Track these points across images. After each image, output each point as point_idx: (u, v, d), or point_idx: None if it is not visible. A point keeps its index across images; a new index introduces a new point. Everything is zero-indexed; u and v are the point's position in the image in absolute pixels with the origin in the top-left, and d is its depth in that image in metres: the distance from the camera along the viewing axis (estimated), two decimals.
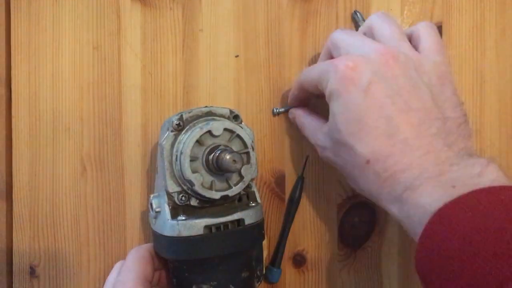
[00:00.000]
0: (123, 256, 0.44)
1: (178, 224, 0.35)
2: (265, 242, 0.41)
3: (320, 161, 0.46)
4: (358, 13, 0.45)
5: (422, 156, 0.32)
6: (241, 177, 0.37)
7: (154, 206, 0.37)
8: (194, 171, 0.35)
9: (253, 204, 0.38)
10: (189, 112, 0.37)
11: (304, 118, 0.42)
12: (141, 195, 0.45)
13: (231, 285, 0.36)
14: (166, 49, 0.45)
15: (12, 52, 0.44)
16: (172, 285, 0.38)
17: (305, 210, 0.46)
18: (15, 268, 0.44)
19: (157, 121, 0.45)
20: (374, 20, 0.38)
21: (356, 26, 0.45)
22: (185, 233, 0.35)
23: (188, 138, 0.35)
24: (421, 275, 0.30)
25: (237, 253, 0.36)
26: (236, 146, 0.37)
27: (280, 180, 0.46)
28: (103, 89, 0.44)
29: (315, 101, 0.43)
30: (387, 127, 0.32)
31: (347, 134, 0.34)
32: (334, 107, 0.35)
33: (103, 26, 0.44)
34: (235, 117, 0.39)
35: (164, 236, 0.36)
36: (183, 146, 0.35)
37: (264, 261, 0.41)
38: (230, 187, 0.37)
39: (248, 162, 0.37)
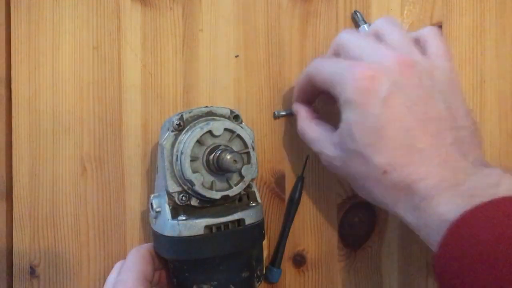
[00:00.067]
0: (123, 256, 0.44)
1: (178, 224, 0.35)
2: (265, 242, 0.41)
3: (320, 161, 0.46)
4: (358, 13, 0.45)
5: (439, 166, 0.32)
6: (242, 177, 0.37)
7: (154, 206, 0.37)
8: (194, 171, 0.35)
9: (253, 204, 0.38)
10: (190, 112, 0.37)
11: (307, 124, 0.41)
12: (141, 195, 0.45)
13: (231, 285, 0.36)
14: (166, 49, 0.45)
15: (12, 52, 0.44)
16: (172, 285, 0.38)
17: (305, 210, 0.46)
18: (15, 268, 0.44)
19: (157, 121, 0.45)
20: (381, 25, 0.38)
21: (356, 26, 0.45)
22: (185, 233, 0.35)
23: (189, 138, 0.35)
24: (441, 283, 0.29)
25: (237, 253, 0.36)
26: (236, 146, 0.37)
27: (280, 180, 0.46)
28: (103, 89, 0.44)
29: (318, 104, 0.43)
30: (405, 137, 0.32)
31: (363, 145, 0.33)
32: (349, 117, 0.34)
33: (103, 26, 0.44)
34: (236, 117, 0.39)
35: (165, 236, 0.36)
36: (183, 146, 0.35)
37: (264, 261, 0.41)
38: (230, 187, 0.37)
39: (249, 162, 0.37)
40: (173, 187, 0.36)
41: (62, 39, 0.44)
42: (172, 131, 0.36)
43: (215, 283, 0.36)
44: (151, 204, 0.37)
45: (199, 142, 0.35)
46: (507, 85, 0.47)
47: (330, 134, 0.38)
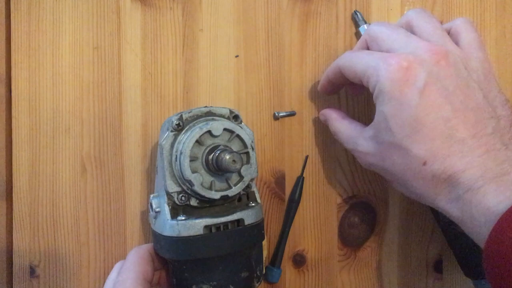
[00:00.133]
0: (123, 256, 0.44)
1: (178, 224, 0.35)
2: (265, 242, 0.41)
3: (320, 161, 0.46)
4: (358, 13, 0.45)
5: (482, 156, 0.31)
6: (241, 177, 0.37)
7: (154, 206, 0.37)
8: (193, 171, 0.35)
9: (253, 204, 0.38)
10: (189, 112, 0.37)
11: (339, 122, 0.41)
12: (141, 195, 0.45)
13: (231, 285, 0.36)
14: (166, 49, 0.45)
15: (12, 52, 0.44)
16: (172, 285, 0.38)
17: (305, 210, 0.46)
18: (15, 268, 0.44)
19: (157, 121, 0.45)
20: (413, 16, 0.38)
21: (356, 26, 0.45)
22: (185, 233, 0.35)
23: (188, 138, 0.35)
24: (491, 276, 0.29)
25: (237, 253, 0.36)
26: (235, 146, 0.37)
27: (280, 180, 0.46)
28: (103, 89, 0.44)
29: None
30: (444, 127, 0.32)
31: (401, 136, 0.33)
32: (385, 109, 0.34)
33: (103, 26, 0.44)
34: (235, 117, 0.39)
35: (164, 236, 0.36)
36: (183, 146, 0.35)
37: (264, 261, 0.41)
38: (229, 187, 0.37)
39: (248, 162, 0.37)
40: (173, 187, 0.36)
41: (62, 39, 0.44)
42: (172, 131, 0.36)
43: (215, 283, 0.36)
44: (151, 204, 0.37)
45: (199, 142, 0.35)
46: (507, 85, 0.47)
47: (363, 129, 0.37)
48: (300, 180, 0.45)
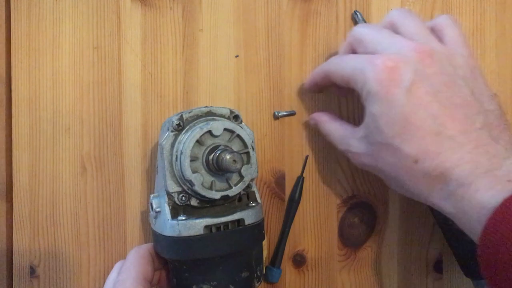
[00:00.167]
0: (123, 256, 0.44)
1: (178, 224, 0.35)
2: (265, 242, 0.41)
3: (320, 161, 0.46)
4: (358, 13, 0.45)
5: (472, 151, 0.32)
6: (241, 177, 0.37)
7: (154, 206, 0.37)
8: (194, 171, 0.35)
9: (253, 204, 0.38)
10: (189, 112, 0.37)
11: (330, 125, 0.41)
12: (141, 195, 0.45)
13: (231, 285, 0.36)
14: (166, 49, 0.45)
15: (12, 52, 0.44)
16: (172, 285, 0.38)
17: (305, 210, 0.46)
18: (15, 268, 0.44)
19: (157, 121, 0.45)
20: (396, 16, 0.38)
21: None
22: (185, 233, 0.35)
23: (188, 138, 0.35)
24: (486, 268, 0.29)
25: (237, 253, 0.36)
26: (236, 146, 0.37)
27: (280, 180, 0.46)
28: (103, 89, 0.44)
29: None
30: (433, 125, 0.32)
31: (391, 136, 0.33)
32: (374, 109, 0.34)
33: (103, 26, 0.44)
34: (235, 117, 0.39)
35: (164, 236, 0.36)
36: (183, 146, 0.35)
37: (264, 261, 0.41)
38: (230, 187, 0.37)
39: (248, 162, 0.37)
40: (173, 187, 0.36)
41: (62, 39, 0.44)
42: (172, 131, 0.36)
43: (215, 283, 0.36)
44: (151, 204, 0.37)
45: (199, 142, 0.35)
46: (507, 85, 0.47)
47: (354, 130, 0.38)
48: (300, 180, 0.45)
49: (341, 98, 0.46)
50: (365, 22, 0.45)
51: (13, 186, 0.44)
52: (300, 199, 0.45)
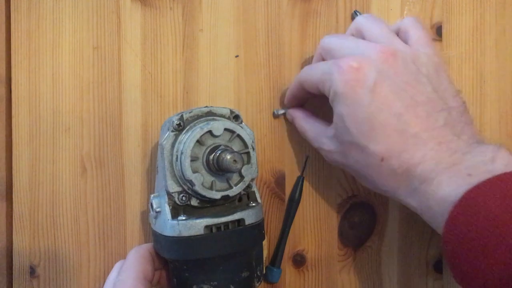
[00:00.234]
0: (123, 256, 0.44)
1: (178, 224, 0.35)
2: (265, 242, 0.41)
3: (320, 161, 0.46)
4: (358, 13, 0.45)
5: (434, 148, 0.33)
6: (242, 177, 0.37)
7: (154, 206, 0.37)
8: (194, 171, 0.35)
9: (253, 204, 0.38)
10: (190, 112, 0.37)
11: (304, 122, 0.42)
12: (141, 195, 0.45)
13: (231, 285, 0.36)
14: (166, 49, 0.45)
15: (12, 52, 0.44)
16: (172, 285, 0.38)
17: (305, 210, 0.46)
18: (15, 268, 0.44)
19: (157, 121, 0.45)
20: (361, 22, 0.39)
21: None
22: (185, 233, 0.35)
23: (189, 138, 0.35)
24: (451, 259, 0.30)
25: (237, 253, 0.36)
26: (236, 146, 0.37)
27: (280, 180, 0.46)
28: (103, 89, 0.44)
29: (311, 100, 0.43)
30: (397, 123, 0.33)
31: (358, 135, 0.34)
32: (341, 109, 0.35)
33: (103, 26, 0.44)
34: (236, 117, 0.39)
35: (165, 236, 0.36)
36: (183, 146, 0.35)
37: (264, 261, 0.41)
38: (230, 187, 0.37)
39: (249, 162, 0.37)
40: (173, 187, 0.36)
41: (62, 39, 0.44)
42: (172, 131, 0.36)
43: (215, 283, 0.36)
44: (151, 204, 0.37)
45: (199, 142, 0.35)
46: (507, 85, 0.47)
47: (326, 129, 0.39)
48: (300, 180, 0.45)
49: None
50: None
51: (13, 186, 0.44)
52: (300, 199, 0.45)
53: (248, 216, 0.37)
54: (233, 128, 0.36)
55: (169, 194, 0.36)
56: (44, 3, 0.44)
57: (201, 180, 0.35)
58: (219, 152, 0.35)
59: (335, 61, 0.35)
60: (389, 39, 0.37)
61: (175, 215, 0.36)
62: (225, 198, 0.36)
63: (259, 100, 0.45)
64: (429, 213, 0.33)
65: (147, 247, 0.39)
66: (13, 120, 0.44)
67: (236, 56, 0.45)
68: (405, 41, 0.38)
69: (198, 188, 0.35)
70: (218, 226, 0.36)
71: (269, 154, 0.46)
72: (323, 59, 0.40)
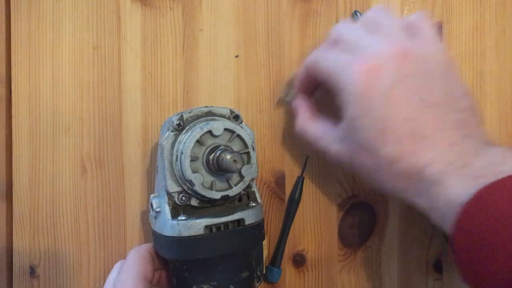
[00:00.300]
0: (123, 256, 0.44)
1: (178, 224, 0.35)
2: (265, 242, 0.41)
3: (320, 161, 0.46)
4: (358, 13, 0.45)
5: (445, 150, 0.33)
6: (242, 177, 0.37)
7: (154, 206, 0.37)
8: (194, 171, 0.35)
9: (253, 204, 0.38)
10: (190, 112, 0.37)
11: (308, 123, 0.41)
12: (141, 195, 0.45)
13: (231, 285, 0.36)
14: (166, 49, 0.45)
15: (12, 52, 0.44)
16: (172, 285, 0.38)
17: (305, 210, 0.46)
18: (15, 268, 0.44)
19: (157, 121, 0.45)
20: (373, 14, 0.38)
21: None
22: (185, 233, 0.35)
23: (189, 138, 0.35)
24: (458, 261, 0.31)
25: (237, 253, 0.36)
26: (236, 146, 0.37)
27: (280, 180, 0.46)
28: (103, 89, 0.44)
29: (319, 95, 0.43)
30: (409, 126, 0.33)
31: (369, 138, 0.34)
32: (353, 111, 0.34)
33: (103, 26, 0.44)
34: (236, 117, 0.39)
35: (164, 236, 0.36)
36: (183, 146, 0.35)
37: (264, 261, 0.41)
38: (230, 187, 0.37)
39: (249, 162, 0.37)
40: (173, 187, 0.36)
41: (62, 39, 0.44)
42: (172, 131, 0.36)
43: (215, 283, 0.36)
44: (151, 204, 0.37)
45: (199, 142, 0.35)
46: (507, 85, 0.47)
47: (333, 129, 0.38)
48: (300, 180, 0.45)
49: None
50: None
51: (13, 186, 0.44)
52: (300, 199, 0.45)
53: (248, 216, 0.37)
54: (233, 128, 0.36)
55: (169, 194, 0.36)
56: (44, 3, 0.44)
57: (201, 180, 0.35)
58: (219, 152, 0.35)
59: (349, 60, 0.35)
60: (401, 36, 0.36)
61: (175, 215, 0.36)
62: (225, 198, 0.36)
63: (259, 100, 0.45)
64: (437, 213, 0.33)
65: (147, 247, 0.39)
66: (13, 120, 0.44)
67: (236, 56, 0.45)
68: (415, 37, 0.37)
69: (198, 188, 0.35)
70: (218, 226, 0.35)
71: (269, 154, 0.46)
72: (334, 45, 0.38)
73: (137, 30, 0.45)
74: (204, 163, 0.36)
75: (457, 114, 0.34)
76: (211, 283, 0.36)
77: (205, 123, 0.37)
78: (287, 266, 0.46)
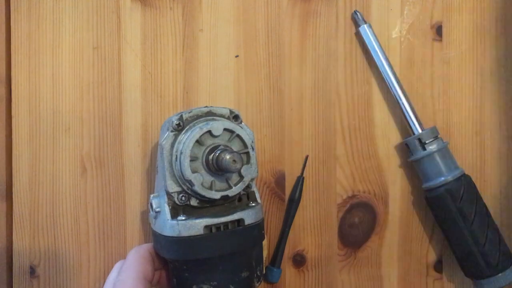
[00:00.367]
0: (123, 256, 0.44)
1: (178, 224, 0.35)
2: (265, 242, 0.41)
3: (320, 161, 0.46)
4: (358, 13, 0.45)
5: None
6: (241, 177, 0.37)
7: (154, 206, 0.37)
8: (194, 171, 0.35)
9: (253, 204, 0.38)
10: (189, 112, 0.37)
11: None
12: (141, 195, 0.45)
13: (231, 285, 0.36)
14: (166, 49, 0.45)
15: (12, 52, 0.44)
16: (172, 285, 0.38)
17: (305, 210, 0.46)
18: (15, 268, 0.44)
19: (157, 121, 0.45)
20: None
21: (356, 26, 0.45)
22: (185, 233, 0.35)
23: (188, 138, 0.35)
24: None
25: (237, 253, 0.36)
26: (236, 146, 0.37)
27: (280, 180, 0.46)
28: (103, 89, 0.44)
29: None
30: None
31: None
32: None
33: (103, 26, 0.44)
34: (235, 117, 0.39)
35: (164, 236, 0.36)
36: (183, 146, 0.35)
37: (264, 261, 0.41)
38: (230, 187, 0.36)
39: (248, 162, 0.37)
40: (173, 187, 0.36)
41: (62, 39, 0.44)
42: (172, 131, 0.36)
43: (215, 283, 0.36)
44: (151, 204, 0.37)
45: (199, 142, 0.35)
46: (507, 85, 0.47)
47: None
48: (300, 180, 0.45)
49: (340, 100, 0.46)
50: (365, 22, 0.45)
51: (13, 186, 0.44)
52: (300, 199, 0.45)
53: (248, 216, 0.37)
54: (233, 128, 0.36)
55: (168, 194, 0.36)
56: (44, 3, 0.44)
57: (201, 180, 0.35)
58: (219, 152, 0.35)
59: None
60: None
61: (174, 215, 0.36)
62: (225, 198, 0.36)
63: (259, 100, 0.45)
64: None
65: (147, 247, 0.39)
66: (13, 120, 0.44)
67: (236, 56, 0.45)
68: None
69: (197, 188, 0.35)
70: (217, 226, 0.35)
71: (269, 154, 0.46)
72: None
73: (137, 30, 0.45)
74: (204, 163, 0.36)
75: None
76: (211, 283, 0.36)
77: (204, 123, 0.37)
78: (287, 266, 0.46)
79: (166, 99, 0.45)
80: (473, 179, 0.43)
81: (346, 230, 0.46)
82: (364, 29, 0.44)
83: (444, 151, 0.43)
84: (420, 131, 0.43)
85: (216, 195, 0.36)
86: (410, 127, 0.44)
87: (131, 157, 0.45)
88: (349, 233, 0.46)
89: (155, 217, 0.37)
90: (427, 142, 0.43)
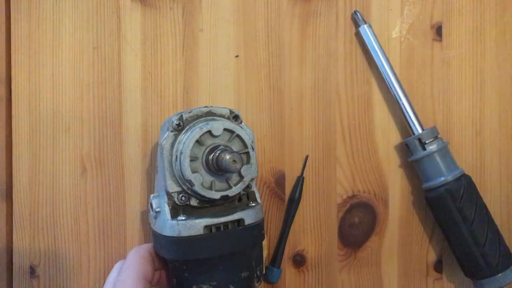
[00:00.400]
0: (123, 256, 0.44)
1: (178, 224, 0.35)
2: (265, 242, 0.41)
3: (320, 161, 0.46)
4: (358, 13, 0.45)
5: None
6: (241, 177, 0.37)
7: (154, 206, 0.37)
8: (194, 171, 0.35)
9: (253, 204, 0.38)
10: (189, 112, 0.37)
11: None
12: (141, 195, 0.45)
13: (231, 285, 0.36)
14: (166, 49, 0.45)
15: (12, 52, 0.44)
16: (172, 285, 0.38)
17: (305, 210, 0.46)
18: (15, 268, 0.44)
19: (157, 121, 0.45)
20: None
21: (356, 26, 0.45)
22: (185, 233, 0.35)
23: (188, 138, 0.35)
24: None
25: (237, 253, 0.36)
26: (236, 146, 0.37)
27: (280, 180, 0.46)
28: (103, 89, 0.44)
29: None
30: None
31: None
32: None
33: (103, 26, 0.44)
34: (235, 117, 0.39)
35: (164, 236, 0.36)
36: (183, 146, 0.35)
37: (264, 261, 0.41)
38: (230, 187, 0.36)
39: (248, 162, 0.37)
40: (173, 187, 0.36)
41: (62, 39, 0.44)
42: (172, 131, 0.36)
43: (215, 283, 0.36)
44: (151, 204, 0.37)
45: (199, 142, 0.35)
46: (507, 85, 0.47)
47: None
48: (300, 180, 0.45)
49: (340, 100, 0.46)
50: (365, 22, 0.45)
51: (13, 186, 0.44)
52: (300, 199, 0.45)
53: (248, 216, 0.37)
54: (233, 128, 0.36)
55: (168, 194, 0.36)
56: (44, 3, 0.44)
57: (201, 180, 0.35)
58: (219, 152, 0.35)
59: None
60: None
61: (174, 215, 0.36)
62: (225, 198, 0.36)
63: (259, 100, 0.45)
64: None
65: (147, 247, 0.39)
66: (13, 120, 0.44)
67: (236, 56, 0.45)
68: None
69: (197, 188, 0.35)
70: (217, 226, 0.35)
71: (269, 154, 0.46)
72: None
73: (137, 30, 0.45)
74: (204, 163, 0.36)
75: None
76: (211, 283, 0.36)
77: (204, 123, 0.37)
78: (287, 266, 0.46)
79: (166, 99, 0.45)
80: (473, 179, 0.43)
81: (346, 230, 0.46)
82: (364, 29, 0.44)
83: (444, 151, 0.43)
84: (420, 131, 0.43)
85: (216, 195, 0.36)
86: (410, 127, 0.44)
87: (131, 157, 0.45)
88: (349, 233, 0.46)
89: (155, 217, 0.37)
90: (427, 142, 0.43)
